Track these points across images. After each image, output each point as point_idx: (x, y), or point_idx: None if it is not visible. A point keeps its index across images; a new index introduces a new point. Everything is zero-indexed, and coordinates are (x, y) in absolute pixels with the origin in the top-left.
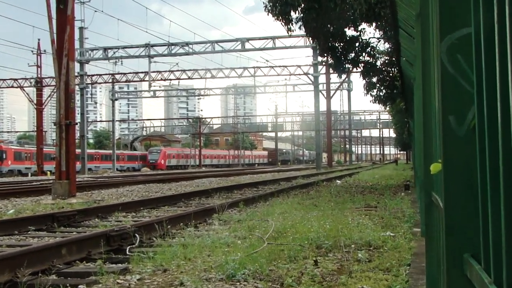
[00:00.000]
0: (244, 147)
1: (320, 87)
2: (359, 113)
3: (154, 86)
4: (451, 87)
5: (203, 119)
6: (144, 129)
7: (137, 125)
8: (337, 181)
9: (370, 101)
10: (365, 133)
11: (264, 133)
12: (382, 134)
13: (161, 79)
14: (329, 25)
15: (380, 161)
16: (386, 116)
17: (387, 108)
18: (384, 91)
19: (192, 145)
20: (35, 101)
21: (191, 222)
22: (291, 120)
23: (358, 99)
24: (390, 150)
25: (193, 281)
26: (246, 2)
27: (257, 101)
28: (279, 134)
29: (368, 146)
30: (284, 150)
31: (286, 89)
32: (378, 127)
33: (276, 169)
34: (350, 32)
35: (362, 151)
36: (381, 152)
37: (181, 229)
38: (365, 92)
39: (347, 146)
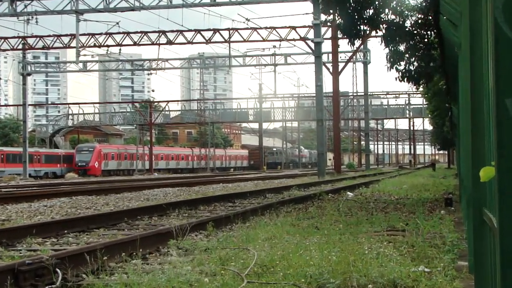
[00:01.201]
0: (214, 144)
1: (324, 58)
2: (380, 96)
3: (85, 55)
4: (509, 57)
5: (156, 104)
6: (70, 117)
7: (59, 112)
8: (348, 193)
9: (396, 79)
10: (389, 124)
11: (244, 124)
12: (413, 126)
13: (95, 46)
14: None
15: (411, 164)
16: (418, 101)
17: (420, 89)
18: (415, 64)
19: (140, 141)
20: None
21: (138, 252)
22: (282, 106)
23: (378, 76)
24: (425, 149)
25: None
26: None
27: (233, 78)
28: (265, 125)
29: (393, 143)
30: (274, 149)
31: (275, 61)
32: (407, 115)
33: (261, 176)
34: None
35: (384, 150)
36: (412, 151)
37: (123, 261)
38: (389, 65)
39: (363, 143)
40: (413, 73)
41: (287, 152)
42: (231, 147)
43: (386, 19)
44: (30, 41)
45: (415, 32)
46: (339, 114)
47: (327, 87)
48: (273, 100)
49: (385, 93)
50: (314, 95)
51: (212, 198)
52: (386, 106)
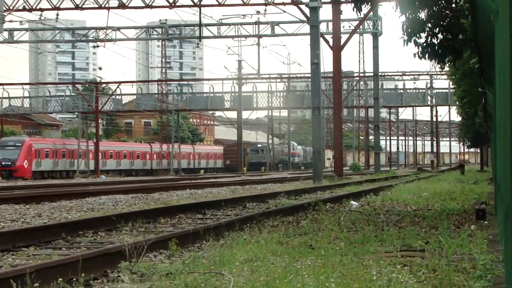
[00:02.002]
0: (180, 139)
1: (323, 28)
2: (394, 78)
3: (11, 22)
4: None
5: (104, 86)
6: None
7: None
8: (352, 202)
9: (415, 56)
10: (405, 114)
11: (218, 113)
12: (437, 116)
13: (24, 9)
14: None
15: (432, 165)
16: (443, 84)
17: (446, 69)
18: (440, 36)
19: (83, 134)
20: None
21: (79, 277)
22: (268, 89)
23: (392, 51)
24: (451, 147)
25: None
26: None
27: (204, 53)
28: (245, 115)
29: (410, 138)
30: (259, 145)
31: (259, 32)
32: (429, 103)
33: (240, 180)
34: None
35: (398, 148)
36: (435, 149)
37: None
38: (405, 38)
39: (371, 138)
40: (436, 47)
41: (274, 149)
42: (201, 142)
43: None
44: None
45: None
46: (341, 100)
47: (326, 65)
48: (256, 82)
49: (401, 73)
50: (309, 75)
51: (176, 208)
52: (401, 91)
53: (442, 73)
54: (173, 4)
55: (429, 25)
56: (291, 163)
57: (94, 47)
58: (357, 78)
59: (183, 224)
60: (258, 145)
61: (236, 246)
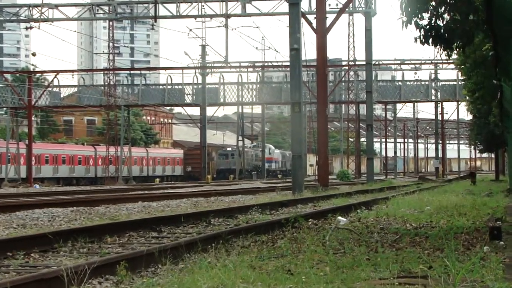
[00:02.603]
0: (130, 140)
1: (304, 6)
2: (391, 67)
3: None
4: None
5: (39, 76)
6: None
7: None
8: (340, 218)
9: (416, 40)
10: (404, 111)
11: (177, 109)
12: (442, 114)
13: None
14: None
15: (437, 174)
16: (450, 75)
17: (454, 57)
18: (446, 17)
19: (13, 134)
20: None
21: None
22: (238, 81)
23: (388, 36)
24: (459, 151)
25: None
26: None
27: (161, 37)
28: (210, 111)
29: (410, 140)
30: (229, 149)
31: (227, 10)
32: (433, 97)
33: (204, 190)
34: None
35: (396, 152)
36: (440, 154)
37: None
38: (404, 19)
39: (363, 140)
40: (442, 31)
41: (246, 153)
42: (156, 144)
43: None
44: None
45: None
46: (326, 94)
47: (309, 52)
48: (224, 71)
49: (399, 62)
50: (288, 64)
51: (126, 225)
52: (400, 83)
53: (448, 61)
54: None
55: (433, 3)
56: (266, 171)
57: (26, 28)
58: (346, 67)
59: (134, 244)
60: (228, 149)
61: (199, 271)
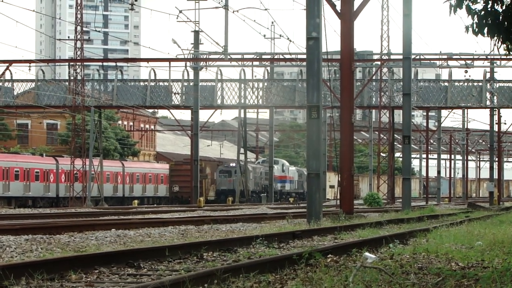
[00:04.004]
0: (102, 151)
1: None
2: (435, 63)
3: None
4: None
5: None
6: None
7: None
8: (367, 254)
9: (467, 30)
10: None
11: (162, 113)
12: (499, 124)
13: None
14: None
15: (493, 199)
16: (510, 74)
17: None
18: (505, 0)
19: None
20: None
21: None
22: (240, 77)
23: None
24: None
25: None
26: None
27: (142, 19)
28: (204, 115)
29: (458, 157)
30: (232, 164)
31: None
32: (488, 103)
33: (195, 216)
34: None
35: (439, 171)
36: (496, 175)
37: None
38: (453, 2)
39: (398, 155)
40: (501, 17)
41: (249, 170)
42: (135, 157)
43: None
44: None
45: None
46: (352, 96)
47: (331, 42)
48: (223, 65)
49: (445, 57)
50: (304, 57)
51: (96, 259)
52: (446, 84)
53: (508, 57)
54: None
55: None
56: (279, 193)
57: None
58: (378, 62)
59: (105, 283)
60: (231, 164)
61: None
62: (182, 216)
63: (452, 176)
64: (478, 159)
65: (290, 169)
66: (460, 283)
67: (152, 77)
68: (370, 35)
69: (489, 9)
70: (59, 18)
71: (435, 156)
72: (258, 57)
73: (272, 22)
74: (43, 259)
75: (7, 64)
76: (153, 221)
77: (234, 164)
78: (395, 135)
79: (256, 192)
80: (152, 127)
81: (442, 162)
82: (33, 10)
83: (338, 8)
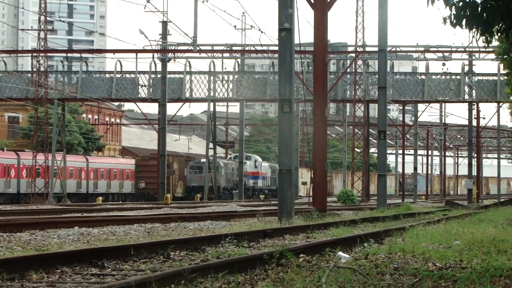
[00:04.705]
0: (65, 146)
1: None
2: (412, 56)
3: None
4: None
5: None
6: None
7: None
8: (341, 254)
9: (445, 21)
10: (429, 115)
11: (129, 105)
12: (478, 119)
13: None
14: None
15: (470, 197)
16: (488, 67)
17: (494, 44)
18: None
19: None
20: None
21: None
22: (210, 69)
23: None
24: (500, 168)
25: None
26: None
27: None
28: (172, 108)
29: (436, 153)
30: (203, 160)
31: None
32: (467, 97)
33: (162, 214)
34: None
35: (416, 168)
36: (474, 171)
37: None
38: None
39: (373, 150)
40: (480, 9)
41: (221, 166)
42: (100, 152)
43: None
44: None
45: None
46: (326, 90)
47: (305, 34)
48: (192, 57)
49: (422, 49)
50: (276, 49)
51: (58, 258)
52: (422, 77)
53: (487, 50)
54: None
55: None
56: (251, 189)
57: None
58: (353, 54)
59: (67, 283)
60: (202, 160)
61: None
62: (148, 213)
63: (429, 172)
64: (456, 155)
65: (263, 165)
66: (438, 284)
67: (118, 69)
68: (344, 26)
69: (467, 0)
70: (22, 8)
71: (412, 152)
72: (228, 49)
73: (243, 13)
74: (3, 258)
75: None
76: (118, 219)
77: (204, 160)
78: (370, 130)
79: (228, 189)
80: (118, 120)
81: (419, 158)
82: None
83: None
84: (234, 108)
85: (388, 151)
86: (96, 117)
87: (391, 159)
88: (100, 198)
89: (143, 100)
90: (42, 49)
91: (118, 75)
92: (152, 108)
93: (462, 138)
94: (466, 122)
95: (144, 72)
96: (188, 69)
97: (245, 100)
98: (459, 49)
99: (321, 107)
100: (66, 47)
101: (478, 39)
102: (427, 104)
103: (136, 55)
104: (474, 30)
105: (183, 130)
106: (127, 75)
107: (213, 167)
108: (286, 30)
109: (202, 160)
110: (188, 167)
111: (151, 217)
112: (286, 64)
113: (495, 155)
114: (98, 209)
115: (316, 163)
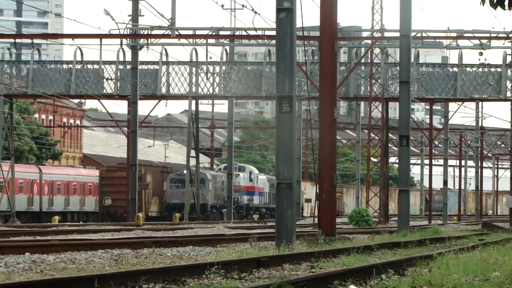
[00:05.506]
0: (14, 152)
1: None
2: (441, 42)
3: None
4: None
5: None
6: None
7: None
8: (353, 287)
9: (483, 2)
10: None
11: (91, 103)
12: None
13: None
14: None
15: None
16: None
17: None
18: None
19: None
20: None
21: None
22: (191, 59)
23: None
24: None
25: None
26: None
27: None
28: (145, 108)
29: (470, 163)
30: (186, 171)
31: None
32: (509, 95)
33: (133, 237)
34: None
35: (447, 182)
36: None
37: None
38: None
39: (393, 160)
40: None
41: (205, 178)
42: (56, 160)
43: None
44: None
45: None
46: (335, 84)
47: (308, 16)
48: (169, 43)
49: (454, 35)
50: (274, 34)
51: None
52: (454, 69)
53: None
54: None
55: None
56: (245, 207)
57: None
58: (369, 41)
59: None
60: (185, 171)
61: None
62: (115, 237)
63: (462, 188)
64: (496, 166)
65: (260, 177)
66: None
67: (78, 59)
68: (358, 6)
69: None
70: None
71: (441, 162)
72: (214, 33)
73: None
74: None
75: None
76: (79, 243)
77: (179, 172)
78: (389, 134)
79: (217, 207)
80: (78, 122)
81: (450, 169)
82: None
83: None
84: (222, 107)
85: (412, 161)
86: (51, 117)
87: (415, 170)
88: (57, 217)
89: (109, 97)
90: None
91: (78, 66)
92: (120, 107)
93: (503, 145)
94: (509, 126)
95: (110, 62)
96: (164, 59)
97: (235, 97)
98: (500, 35)
99: (329, 106)
100: (14, 31)
101: None
102: (460, 103)
103: (101, 41)
104: None
105: (158, 134)
106: (90, 66)
107: (196, 179)
108: (286, 11)
109: (185, 171)
110: (168, 180)
111: (119, 242)
112: (285, 53)
113: None
114: (54, 231)
115: (322, 176)
